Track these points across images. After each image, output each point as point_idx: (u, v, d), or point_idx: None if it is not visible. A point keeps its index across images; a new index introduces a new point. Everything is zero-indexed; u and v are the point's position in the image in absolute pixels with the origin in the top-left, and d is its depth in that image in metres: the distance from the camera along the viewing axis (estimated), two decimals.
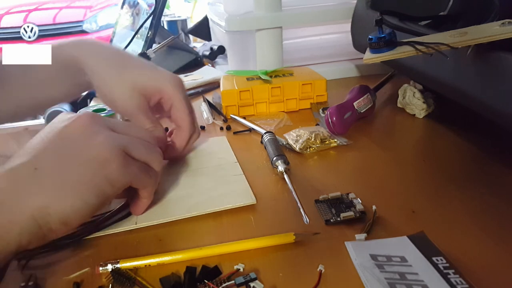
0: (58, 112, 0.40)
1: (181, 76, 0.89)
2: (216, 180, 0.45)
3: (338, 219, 0.38)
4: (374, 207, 0.39)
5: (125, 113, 0.47)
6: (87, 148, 0.33)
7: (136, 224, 0.39)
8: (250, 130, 0.60)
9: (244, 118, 0.64)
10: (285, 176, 0.44)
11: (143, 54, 0.82)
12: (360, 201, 0.40)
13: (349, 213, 0.38)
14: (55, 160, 0.32)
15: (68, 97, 0.52)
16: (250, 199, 0.41)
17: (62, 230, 0.32)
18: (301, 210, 0.38)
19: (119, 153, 0.34)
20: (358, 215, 0.38)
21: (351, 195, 0.41)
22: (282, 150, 0.49)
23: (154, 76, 0.46)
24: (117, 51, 0.48)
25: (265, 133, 0.54)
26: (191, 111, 0.48)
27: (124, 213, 0.40)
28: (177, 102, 0.46)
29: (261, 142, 0.54)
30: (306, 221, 0.37)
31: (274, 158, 0.47)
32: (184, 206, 0.41)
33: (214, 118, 0.66)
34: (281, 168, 0.46)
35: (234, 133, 0.61)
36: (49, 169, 0.32)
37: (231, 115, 0.65)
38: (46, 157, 0.32)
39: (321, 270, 0.32)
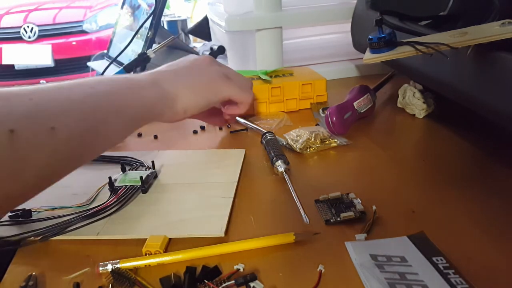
0: None
1: None
2: (201, 200, 0.43)
3: (338, 219, 0.38)
4: (374, 207, 0.39)
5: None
6: (206, 70, 0.51)
7: (98, 234, 0.38)
8: (247, 129, 0.60)
9: (244, 118, 0.64)
10: (285, 176, 0.44)
11: (143, 54, 0.82)
12: (360, 201, 0.40)
13: (349, 213, 0.38)
14: (186, 72, 0.50)
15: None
16: (218, 231, 0.37)
17: (181, 115, 0.48)
18: (301, 210, 0.38)
19: (224, 76, 0.52)
20: (358, 215, 0.38)
21: (351, 195, 0.41)
22: (282, 150, 0.49)
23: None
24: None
25: (265, 133, 0.54)
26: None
27: (89, 221, 0.39)
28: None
29: (261, 142, 0.54)
30: (306, 221, 0.37)
31: (274, 158, 0.47)
32: (151, 225, 0.39)
33: None
34: (281, 168, 0.46)
35: (231, 132, 0.61)
36: (182, 76, 0.49)
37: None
38: (181, 69, 0.50)
39: (321, 270, 0.32)
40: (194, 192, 0.44)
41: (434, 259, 0.32)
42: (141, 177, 0.44)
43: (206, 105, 0.50)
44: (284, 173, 0.45)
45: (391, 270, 0.31)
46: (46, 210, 0.41)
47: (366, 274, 0.31)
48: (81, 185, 0.46)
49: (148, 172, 0.46)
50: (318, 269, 0.32)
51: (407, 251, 0.33)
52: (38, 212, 0.41)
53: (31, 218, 0.40)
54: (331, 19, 0.81)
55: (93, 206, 0.41)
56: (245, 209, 0.41)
